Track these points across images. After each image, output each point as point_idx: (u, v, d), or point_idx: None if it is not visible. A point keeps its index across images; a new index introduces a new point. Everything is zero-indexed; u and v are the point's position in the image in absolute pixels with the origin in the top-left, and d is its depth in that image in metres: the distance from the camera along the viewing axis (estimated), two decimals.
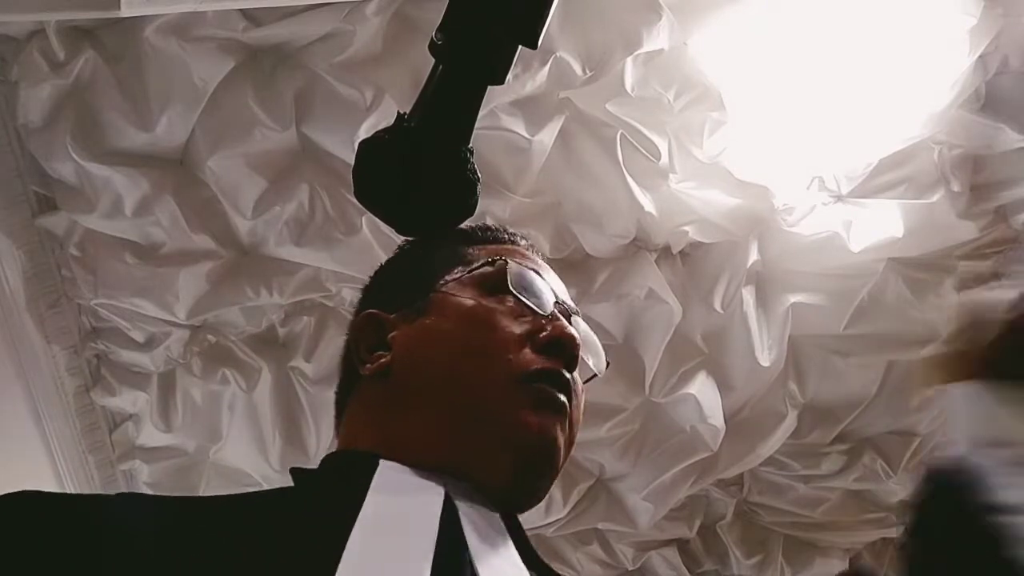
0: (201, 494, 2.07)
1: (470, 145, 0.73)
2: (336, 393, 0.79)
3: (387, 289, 0.79)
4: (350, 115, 1.69)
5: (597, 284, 2.03)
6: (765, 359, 2.14)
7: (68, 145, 1.65)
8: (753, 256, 2.06)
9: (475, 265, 0.75)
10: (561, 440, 0.68)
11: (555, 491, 2.20)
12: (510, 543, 0.59)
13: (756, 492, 2.42)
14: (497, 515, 0.62)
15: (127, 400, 1.96)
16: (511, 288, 0.72)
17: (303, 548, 0.53)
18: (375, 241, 1.81)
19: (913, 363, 2.29)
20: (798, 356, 2.26)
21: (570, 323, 0.73)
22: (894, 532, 2.49)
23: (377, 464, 0.62)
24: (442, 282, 0.73)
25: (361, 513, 0.54)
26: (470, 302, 0.71)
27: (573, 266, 2.05)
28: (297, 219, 1.80)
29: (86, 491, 1.98)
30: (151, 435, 2.00)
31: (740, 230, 2.02)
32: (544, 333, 0.70)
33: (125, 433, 2.01)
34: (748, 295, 2.10)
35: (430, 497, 0.59)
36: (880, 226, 2.05)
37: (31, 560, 0.49)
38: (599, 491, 2.30)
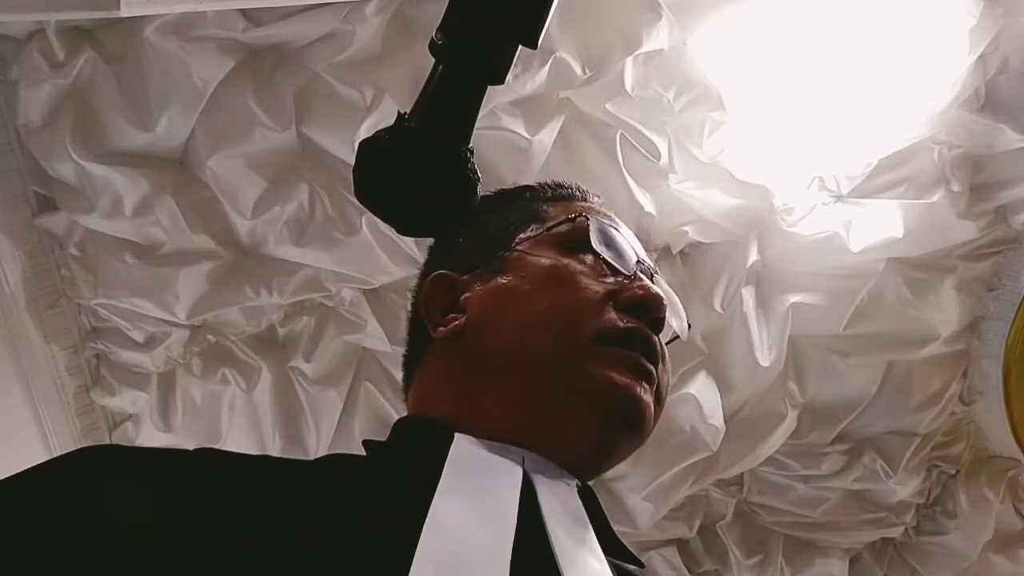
0: None
1: (470, 145, 0.73)
2: (404, 357, 0.76)
3: (457, 249, 0.75)
4: (350, 115, 1.69)
5: None
6: (765, 359, 2.13)
7: (68, 145, 1.65)
8: (753, 256, 2.06)
9: (553, 223, 0.72)
10: (650, 402, 0.65)
11: None
12: (589, 528, 0.56)
13: (756, 492, 2.42)
14: (575, 489, 0.60)
15: (127, 400, 1.96)
16: (594, 245, 0.69)
17: (378, 526, 0.51)
18: (375, 241, 1.81)
19: (913, 363, 2.30)
20: (798, 356, 2.26)
21: (652, 283, 0.70)
22: (894, 532, 2.50)
23: (452, 436, 0.59)
24: (517, 241, 0.70)
25: (437, 494, 0.52)
26: (548, 261, 0.68)
27: None
28: (297, 219, 1.80)
29: None
30: (151, 435, 2.00)
31: (740, 230, 2.02)
32: (628, 292, 0.67)
33: (125, 433, 2.00)
34: (748, 295, 2.10)
35: (508, 478, 0.56)
36: (880, 226, 2.05)
37: (111, 505, 0.49)
38: (599, 491, 2.28)
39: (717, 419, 2.14)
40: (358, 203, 0.73)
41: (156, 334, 1.90)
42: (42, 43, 1.60)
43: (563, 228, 0.71)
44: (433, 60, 0.71)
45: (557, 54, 1.70)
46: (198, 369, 1.93)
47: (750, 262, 2.06)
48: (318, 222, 1.80)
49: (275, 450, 2.00)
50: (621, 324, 0.65)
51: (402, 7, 1.66)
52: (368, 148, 0.73)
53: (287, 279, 1.86)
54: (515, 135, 1.77)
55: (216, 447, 0.58)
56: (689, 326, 0.78)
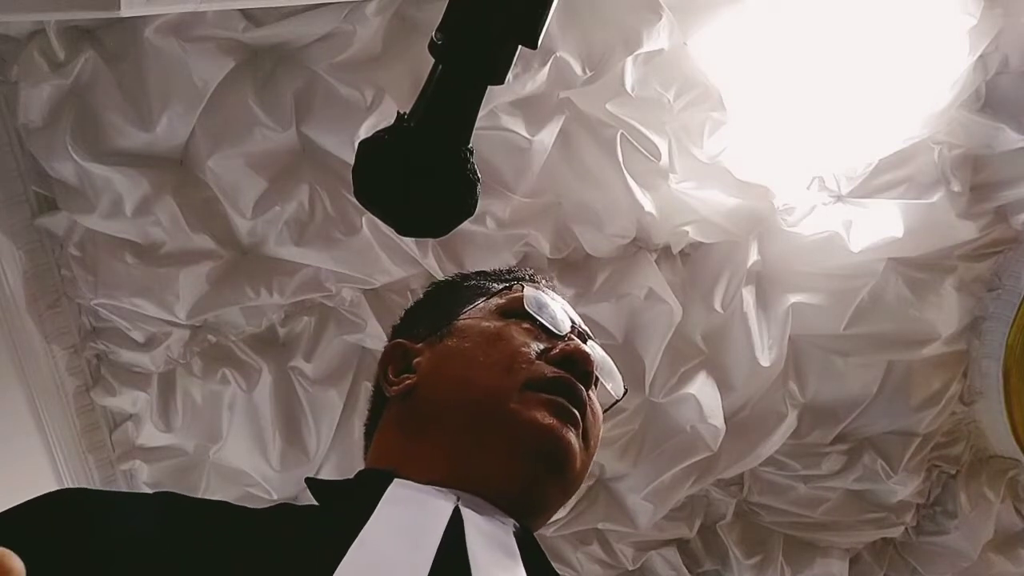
0: (201, 494, 2.07)
1: (470, 145, 0.72)
2: (365, 425, 0.82)
3: (414, 322, 0.85)
4: (350, 115, 1.69)
5: (597, 284, 2.03)
6: (765, 359, 2.14)
7: (68, 145, 1.65)
8: (753, 256, 2.06)
9: (493, 292, 0.81)
10: (576, 446, 0.69)
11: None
12: (516, 557, 0.59)
13: (756, 492, 2.42)
14: (510, 528, 0.63)
15: (127, 400, 1.96)
16: (527, 309, 0.77)
17: (307, 558, 0.54)
18: (375, 241, 1.81)
19: (913, 363, 2.30)
20: (798, 356, 2.26)
21: (586, 344, 0.76)
22: (894, 532, 2.50)
23: (391, 481, 0.63)
24: (464, 311, 0.79)
25: (367, 524, 0.56)
26: (489, 324, 0.76)
27: (573, 266, 2.05)
28: (297, 219, 1.80)
29: None
30: (151, 435, 2.00)
31: (740, 230, 2.02)
32: (558, 348, 0.73)
33: (125, 433, 2.00)
34: (748, 295, 2.10)
35: (438, 508, 0.60)
36: (880, 226, 2.05)
37: (72, 552, 0.51)
38: (599, 491, 2.30)
39: (717, 419, 2.14)
40: (358, 203, 0.73)
41: (156, 334, 1.90)
42: (42, 43, 1.60)
43: (503, 298, 0.80)
44: (433, 60, 0.70)
45: (557, 54, 1.70)
46: (198, 369, 1.93)
47: (750, 262, 2.06)
48: (318, 222, 1.80)
49: (275, 450, 2.00)
50: (548, 373, 0.71)
51: (402, 7, 1.66)
52: (368, 148, 0.73)
53: (287, 279, 1.86)
54: (515, 135, 1.77)
55: (176, 492, 0.62)
56: (626, 391, 0.84)
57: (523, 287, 0.80)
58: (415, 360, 0.77)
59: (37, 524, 0.54)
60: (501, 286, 0.82)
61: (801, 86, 1.84)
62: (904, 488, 2.40)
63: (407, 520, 0.58)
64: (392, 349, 0.81)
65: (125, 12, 1.38)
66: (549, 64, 1.70)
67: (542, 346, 0.74)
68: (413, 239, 1.78)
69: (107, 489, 0.62)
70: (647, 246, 2.05)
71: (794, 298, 2.12)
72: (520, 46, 0.68)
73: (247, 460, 2.04)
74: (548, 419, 0.68)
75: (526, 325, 0.76)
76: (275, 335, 1.99)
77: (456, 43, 0.68)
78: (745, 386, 2.20)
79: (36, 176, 1.74)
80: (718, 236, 2.03)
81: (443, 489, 0.64)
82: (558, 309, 0.79)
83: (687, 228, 2.00)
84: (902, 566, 2.59)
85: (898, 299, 2.17)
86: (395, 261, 1.85)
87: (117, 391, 1.94)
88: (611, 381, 0.81)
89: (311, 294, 1.90)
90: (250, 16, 1.63)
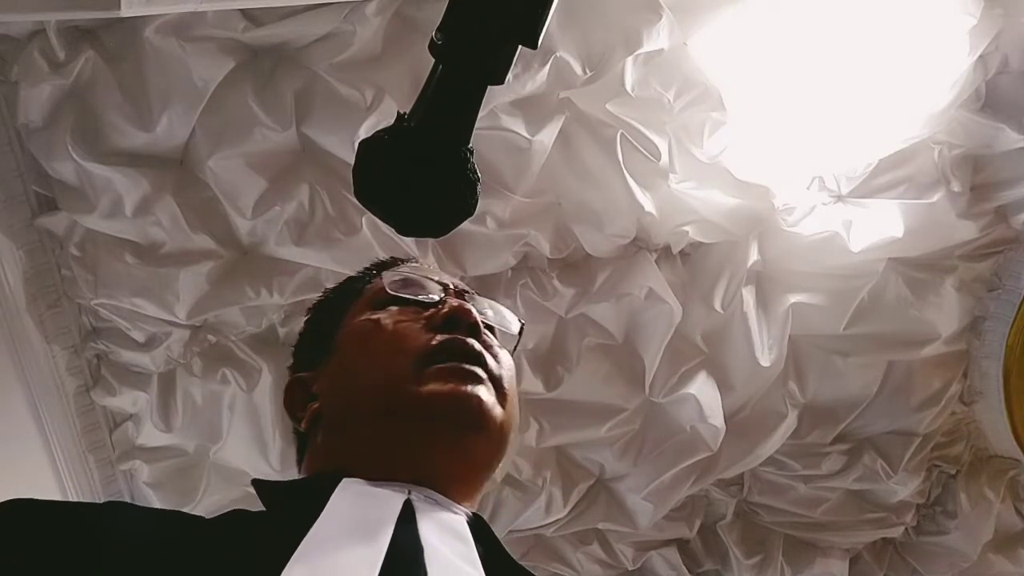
0: (201, 494, 2.07)
1: (470, 145, 0.72)
2: (297, 464, 0.82)
3: (301, 355, 0.86)
4: (350, 115, 1.69)
5: (597, 284, 2.03)
6: (765, 359, 2.14)
7: (68, 145, 1.65)
8: (753, 256, 2.06)
9: (356, 291, 0.81)
10: (487, 399, 0.69)
11: (555, 491, 2.20)
12: (471, 545, 0.59)
13: (756, 492, 2.42)
14: (463, 518, 0.64)
15: (127, 400, 1.96)
16: (391, 291, 0.77)
17: (258, 556, 0.54)
18: (375, 241, 1.81)
19: (913, 363, 2.30)
20: (798, 356, 2.26)
21: (465, 300, 0.76)
22: (894, 532, 2.50)
23: (339, 480, 0.63)
24: (340, 323, 0.79)
25: (317, 520, 0.56)
26: (363, 322, 0.76)
27: (573, 266, 2.05)
28: (297, 219, 1.80)
29: (86, 491, 1.98)
30: (151, 435, 2.00)
31: (740, 230, 2.02)
32: (437, 315, 0.73)
33: (125, 433, 2.01)
34: (748, 295, 2.10)
35: (389, 501, 0.60)
36: (880, 226, 2.05)
37: (14, 563, 0.51)
38: (599, 491, 2.30)
39: (717, 419, 2.14)
40: (358, 203, 0.73)
41: (156, 334, 1.90)
42: (42, 43, 1.60)
43: (368, 293, 0.80)
44: (433, 60, 0.70)
45: (557, 54, 1.70)
46: (198, 369, 1.93)
47: (750, 262, 2.06)
48: (318, 222, 1.80)
49: (275, 450, 2.00)
50: (433, 342, 0.71)
51: (402, 7, 1.66)
52: (368, 148, 0.73)
53: (287, 279, 1.86)
54: (515, 135, 1.77)
55: (123, 501, 0.62)
56: (522, 324, 0.83)
57: (379, 274, 0.81)
58: (314, 387, 0.78)
59: (33, 525, 0.54)
60: (362, 284, 0.83)
61: (801, 86, 1.84)
62: (904, 488, 2.40)
63: (359, 514, 0.58)
64: (289, 387, 0.82)
65: (125, 12, 1.38)
66: (549, 64, 1.70)
67: (423, 320, 0.74)
68: (413, 239, 1.78)
69: (49, 500, 0.63)
70: (647, 246, 2.05)
71: (794, 298, 2.12)
72: (520, 46, 0.68)
73: (247, 460, 2.04)
74: (447, 386, 0.68)
75: (400, 308, 0.76)
76: (275, 335, 1.99)
77: (456, 43, 0.68)
78: (745, 386, 2.21)
79: (36, 176, 1.74)
80: (718, 236, 2.03)
81: (393, 483, 0.64)
82: (424, 280, 0.79)
83: (687, 228, 2.00)
84: (902, 566, 2.59)
85: (898, 299, 2.18)
86: None
87: (117, 391, 1.94)
88: (502, 320, 0.81)
89: (311, 294, 1.90)
90: (250, 16, 1.63)
